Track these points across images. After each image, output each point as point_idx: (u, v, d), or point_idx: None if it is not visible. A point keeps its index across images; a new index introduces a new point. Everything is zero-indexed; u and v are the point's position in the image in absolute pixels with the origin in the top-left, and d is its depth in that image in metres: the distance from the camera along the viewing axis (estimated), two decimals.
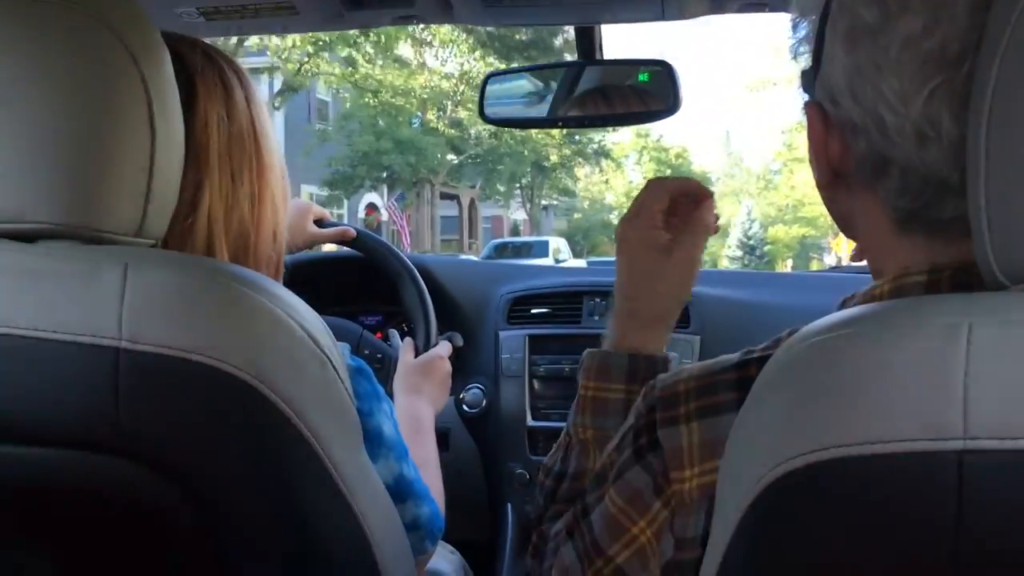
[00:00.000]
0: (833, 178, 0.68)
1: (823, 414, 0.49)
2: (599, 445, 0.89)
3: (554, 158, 27.72)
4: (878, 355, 0.48)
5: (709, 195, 0.92)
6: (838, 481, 0.49)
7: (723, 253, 40.37)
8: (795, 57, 0.72)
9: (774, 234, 38.67)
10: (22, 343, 0.67)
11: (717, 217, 0.93)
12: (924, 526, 0.47)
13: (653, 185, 0.93)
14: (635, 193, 0.94)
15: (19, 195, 0.68)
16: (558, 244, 23.36)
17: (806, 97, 0.71)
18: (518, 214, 34.53)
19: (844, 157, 0.66)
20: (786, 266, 36.37)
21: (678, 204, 0.92)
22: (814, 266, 35.39)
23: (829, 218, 0.73)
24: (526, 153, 25.88)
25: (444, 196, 27.18)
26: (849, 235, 0.73)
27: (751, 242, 39.02)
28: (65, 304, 0.67)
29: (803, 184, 30.78)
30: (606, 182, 37.35)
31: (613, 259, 0.96)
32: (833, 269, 2.64)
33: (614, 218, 33.48)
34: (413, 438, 1.25)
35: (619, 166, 35.06)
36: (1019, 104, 0.50)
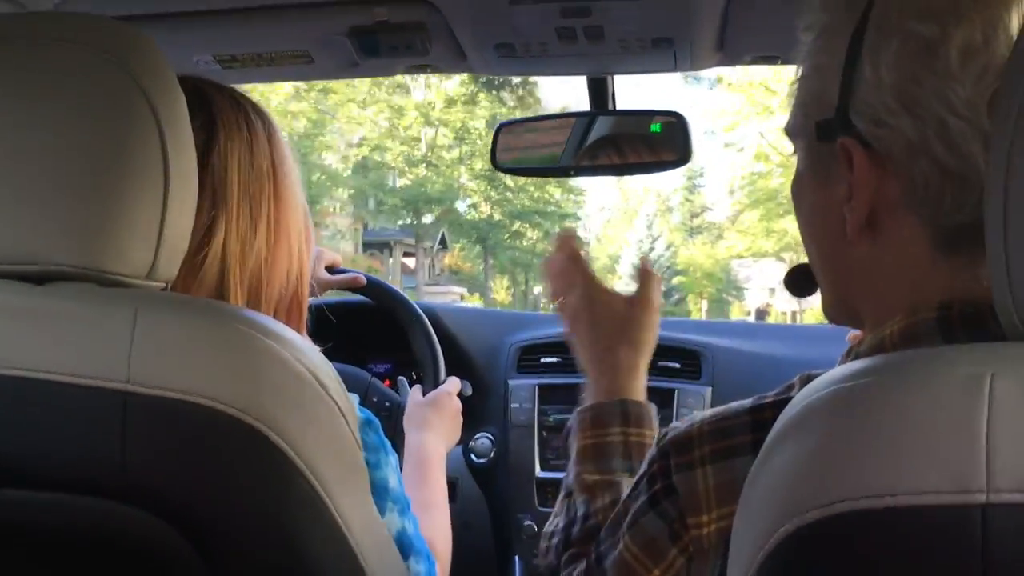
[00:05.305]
0: (863, 223, 0.66)
1: (843, 465, 0.48)
2: (605, 487, 0.91)
3: None
4: (899, 405, 0.48)
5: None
6: (859, 533, 0.48)
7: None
8: (804, 112, 0.71)
9: (689, 258, 27.02)
10: (29, 385, 0.66)
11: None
12: None
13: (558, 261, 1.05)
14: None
15: (29, 236, 0.68)
16: None
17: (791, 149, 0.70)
18: None
19: (883, 188, 0.64)
20: (700, 311, 26.01)
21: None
22: (734, 312, 26.79)
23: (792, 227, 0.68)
24: None
25: None
26: (847, 290, 0.72)
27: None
28: (74, 347, 0.67)
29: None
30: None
31: None
32: None
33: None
34: (421, 477, 1.24)
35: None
36: None
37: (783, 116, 0.75)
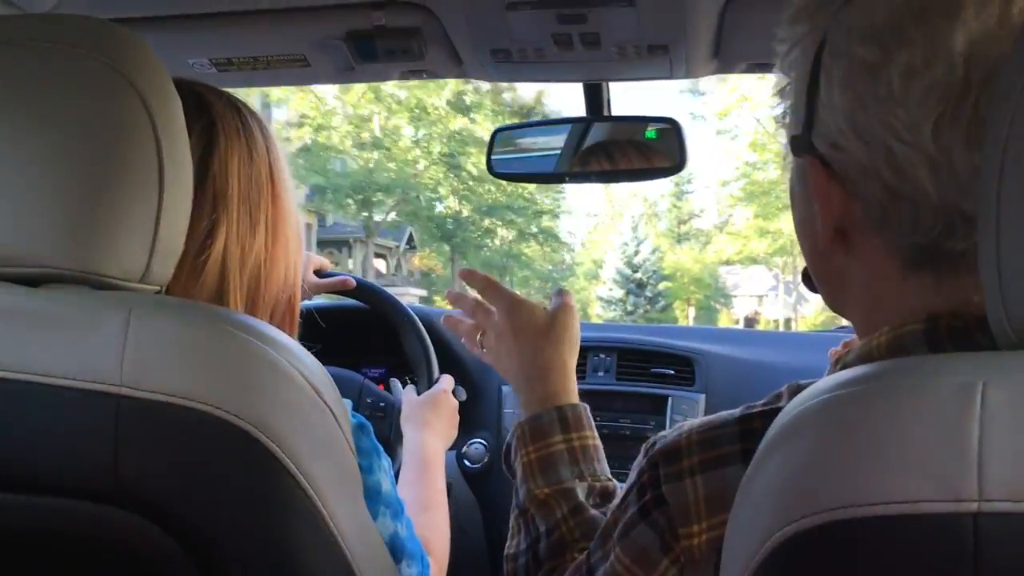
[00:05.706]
0: (833, 236, 0.66)
1: (836, 472, 0.48)
2: (560, 497, 0.92)
3: None
4: (891, 413, 0.48)
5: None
6: (851, 541, 0.47)
7: (594, 295, 27.88)
8: (782, 126, 0.71)
9: (676, 263, 25.43)
10: (22, 388, 0.66)
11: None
12: None
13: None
14: None
15: (25, 238, 0.68)
16: None
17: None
18: None
19: (848, 207, 0.64)
20: (687, 318, 25.26)
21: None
22: (722, 320, 25.39)
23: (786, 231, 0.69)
24: None
25: None
26: (836, 297, 0.72)
27: (638, 274, 25.92)
28: (67, 349, 0.66)
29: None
30: None
31: None
32: (840, 328, 2.61)
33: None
34: (421, 477, 1.24)
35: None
36: None
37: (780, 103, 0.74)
